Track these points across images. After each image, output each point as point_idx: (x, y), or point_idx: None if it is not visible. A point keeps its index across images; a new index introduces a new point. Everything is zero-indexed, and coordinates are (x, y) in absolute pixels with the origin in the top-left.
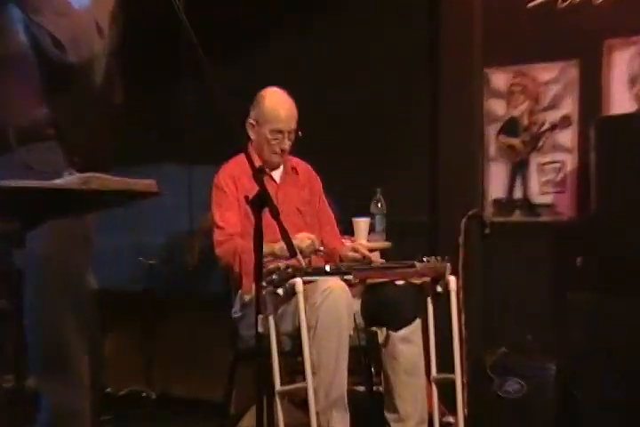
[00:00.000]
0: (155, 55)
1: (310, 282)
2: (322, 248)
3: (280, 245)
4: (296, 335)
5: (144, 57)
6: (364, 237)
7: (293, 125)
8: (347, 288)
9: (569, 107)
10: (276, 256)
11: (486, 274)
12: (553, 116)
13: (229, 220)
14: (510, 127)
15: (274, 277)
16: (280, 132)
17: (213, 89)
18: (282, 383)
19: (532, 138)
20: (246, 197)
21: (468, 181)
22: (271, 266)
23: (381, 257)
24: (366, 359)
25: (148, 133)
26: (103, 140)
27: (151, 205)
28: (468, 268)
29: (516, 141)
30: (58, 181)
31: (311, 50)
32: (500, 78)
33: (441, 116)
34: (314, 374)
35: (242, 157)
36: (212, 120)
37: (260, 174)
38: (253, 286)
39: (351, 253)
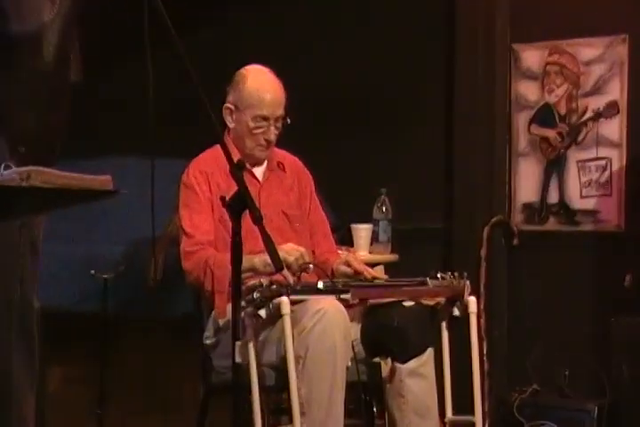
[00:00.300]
0: (114, 26)
1: (299, 302)
2: (311, 265)
3: (262, 258)
4: (281, 367)
5: (103, 27)
6: (365, 248)
7: (281, 111)
8: (343, 310)
9: (616, 92)
10: (256, 271)
11: (513, 294)
12: (596, 102)
13: (200, 226)
14: (544, 116)
15: (255, 295)
16: (265, 119)
17: (187, 69)
18: (263, 425)
19: (571, 129)
20: (222, 199)
21: (492, 180)
22: (251, 282)
23: (386, 272)
24: (367, 397)
25: (105, 119)
26: (55, 126)
27: (106, 206)
28: (491, 286)
29: (551, 133)
30: None
31: (301, 18)
32: (531, 56)
33: (458, 101)
34: (302, 414)
35: (217, 149)
36: (181, 104)
37: (238, 170)
38: (229, 307)
39: (343, 268)
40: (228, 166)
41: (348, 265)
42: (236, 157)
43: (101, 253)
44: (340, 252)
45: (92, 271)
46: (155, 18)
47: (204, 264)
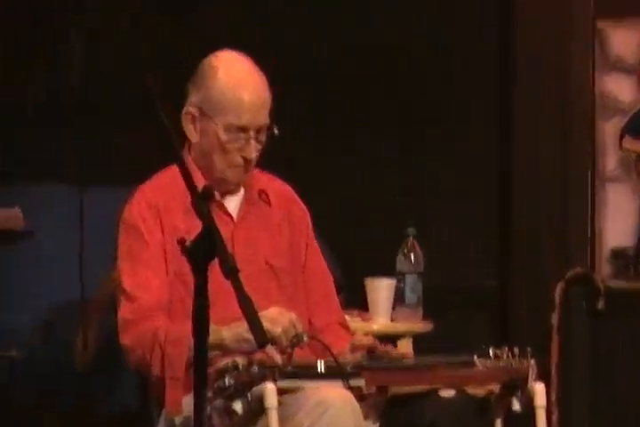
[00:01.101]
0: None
1: (291, 391)
2: (306, 337)
3: (235, 331)
4: None
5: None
6: (386, 314)
7: (264, 118)
8: (354, 402)
9: None
10: (226, 349)
11: (598, 378)
12: None
13: (147, 284)
14: None
15: (227, 381)
16: (243, 129)
17: (141, 61)
18: None
19: None
20: (180, 242)
21: (567, 217)
22: (222, 363)
23: (415, 348)
24: None
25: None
26: None
27: (14, 253)
28: (567, 368)
29: None
30: None
31: None
32: (624, 39)
33: (517, 103)
34: None
35: (171, 172)
36: (123, 107)
37: (204, 202)
38: (188, 400)
39: (352, 355)
40: (187, 197)
41: (356, 349)
42: (200, 182)
43: (7, 324)
44: (347, 318)
45: None
46: None
47: (150, 339)
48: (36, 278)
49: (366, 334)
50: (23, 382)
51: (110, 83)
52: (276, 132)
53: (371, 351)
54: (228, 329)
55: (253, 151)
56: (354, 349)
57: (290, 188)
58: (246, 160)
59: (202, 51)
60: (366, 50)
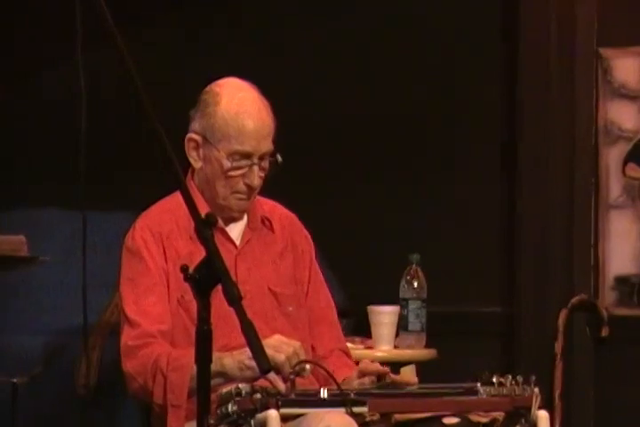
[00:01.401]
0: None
1: (294, 417)
2: (308, 365)
3: (237, 358)
4: None
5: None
6: (389, 341)
7: (268, 146)
8: None
9: None
10: (227, 377)
11: (602, 405)
12: None
13: (149, 310)
14: None
15: (229, 408)
16: (246, 156)
17: (132, 80)
18: None
19: None
20: (184, 269)
21: (571, 244)
22: (225, 389)
23: (418, 375)
24: None
25: (17, 153)
26: None
27: (17, 279)
28: (570, 396)
29: None
30: None
31: (294, 15)
32: (627, 66)
33: (522, 130)
34: None
35: (173, 199)
36: (125, 132)
37: (208, 228)
38: None
39: (357, 383)
40: (190, 224)
41: (364, 374)
42: (203, 209)
43: (8, 348)
44: (348, 345)
45: None
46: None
47: (152, 365)
48: (38, 304)
49: (372, 360)
50: (25, 408)
51: (113, 110)
52: (279, 159)
53: (381, 378)
54: (231, 357)
55: (256, 178)
56: (361, 375)
57: (293, 215)
58: (249, 187)
59: (205, 78)
60: (373, 91)
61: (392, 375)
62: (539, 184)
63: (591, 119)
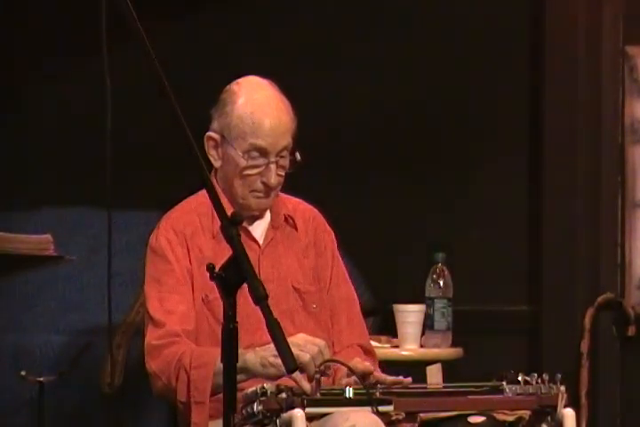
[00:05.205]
0: (61, 23)
1: (320, 417)
2: (331, 364)
3: (260, 354)
4: None
5: (46, 23)
6: (415, 340)
7: (286, 142)
8: None
9: None
10: (249, 374)
11: (628, 404)
12: None
13: (174, 310)
14: None
15: (255, 407)
16: (262, 153)
17: (160, 81)
18: None
19: None
20: (210, 268)
21: (597, 243)
22: (250, 389)
23: (444, 374)
24: None
25: (45, 152)
26: None
27: (43, 278)
28: (597, 394)
29: None
30: None
31: (319, 14)
32: None
33: (548, 129)
34: None
35: (197, 199)
36: (151, 132)
37: (233, 227)
38: (215, 425)
39: (345, 381)
40: (212, 223)
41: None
42: (227, 208)
43: (35, 347)
44: (373, 344)
45: (23, 373)
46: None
47: (176, 364)
48: (64, 303)
49: (365, 359)
50: (51, 407)
51: (136, 110)
52: (297, 157)
53: (364, 378)
54: (254, 352)
55: (273, 177)
56: (349, 374)
57: (317, 211)
58: (267, 186)
59: (227, 76)
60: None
61: (377, 374)
62: (565, 183)
63: (617, 117)
